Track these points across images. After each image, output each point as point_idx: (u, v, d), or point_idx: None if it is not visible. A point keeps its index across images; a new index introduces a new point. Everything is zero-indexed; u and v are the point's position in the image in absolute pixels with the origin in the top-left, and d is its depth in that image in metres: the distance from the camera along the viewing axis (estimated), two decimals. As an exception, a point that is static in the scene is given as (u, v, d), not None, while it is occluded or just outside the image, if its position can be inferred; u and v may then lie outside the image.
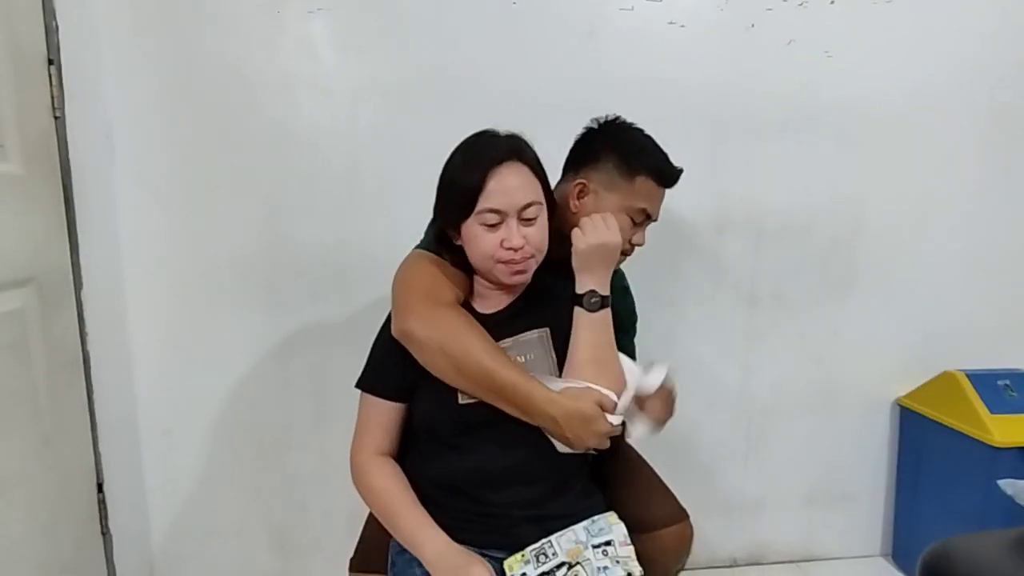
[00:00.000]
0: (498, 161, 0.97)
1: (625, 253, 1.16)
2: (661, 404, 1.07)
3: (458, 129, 1.06)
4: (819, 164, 1.69)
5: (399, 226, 1.37)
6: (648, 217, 1.18)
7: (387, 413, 1.04)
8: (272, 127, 1.52)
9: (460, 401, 0.99)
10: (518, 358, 1.02)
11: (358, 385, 1.06)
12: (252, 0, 1.47)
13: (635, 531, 1.05)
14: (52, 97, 1.33)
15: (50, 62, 1.33)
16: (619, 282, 1.26)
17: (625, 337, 1.21)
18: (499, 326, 1.04)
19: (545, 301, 1.08)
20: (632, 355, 1.18)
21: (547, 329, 1.05)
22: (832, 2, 1.62)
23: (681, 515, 1.13)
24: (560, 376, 1.01)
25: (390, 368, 1.04)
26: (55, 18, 1.33)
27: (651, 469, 1.23)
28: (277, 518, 1.69)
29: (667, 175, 1.16)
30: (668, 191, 1.20)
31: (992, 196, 1.76)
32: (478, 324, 1.01)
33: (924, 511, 1.76)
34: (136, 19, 1.45)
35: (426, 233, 1.15)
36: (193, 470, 1.64)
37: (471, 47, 1.54)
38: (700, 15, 1.59)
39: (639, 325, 1.30)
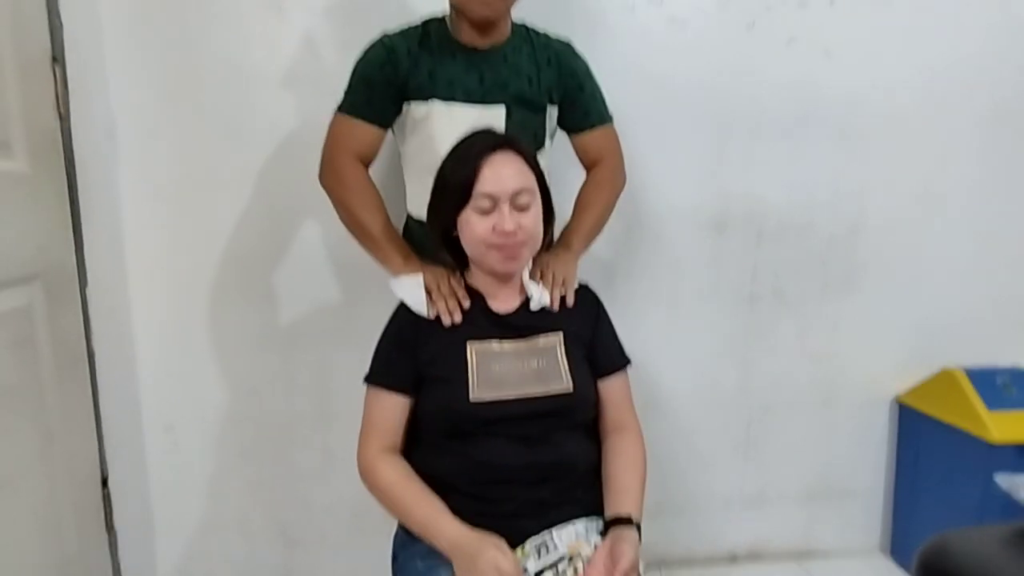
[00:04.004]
0: (491, 149, 1.00)
1: None
2: None
3: (460, 127, 1.06)
4: (819, 162, 1.70)
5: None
6: None
7: (393, 408, 1.04)
8: (275, 124, 1.53)
9: (471, 399, 1.00)
10: (531, 362, 1.03)
11: (367, 380, 1.06)
12: (255, -2, 1.48)
13: None
14: (57, 95, 1.34)
15: (55, 60, 1.33)
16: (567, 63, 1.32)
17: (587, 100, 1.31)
18: (515, 326, 1.06)
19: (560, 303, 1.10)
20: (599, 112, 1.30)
21: (561, 333, 1.06)
22: (831, 1, 1.62)
23: None
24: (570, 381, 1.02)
25: (398, 361, 1.05)
26: (59, 17, 1.33)
27: None
28: (281, 513, 1.70)
29: None
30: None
31: (991, 194, 1.77)
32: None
33: (922, 507, 1.77)
34: (140, 17, 1.46)
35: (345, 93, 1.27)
36: (197, 465, 1.65)
37: (473, 45, 1.54)
38: (700, 14, 1.59)
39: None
